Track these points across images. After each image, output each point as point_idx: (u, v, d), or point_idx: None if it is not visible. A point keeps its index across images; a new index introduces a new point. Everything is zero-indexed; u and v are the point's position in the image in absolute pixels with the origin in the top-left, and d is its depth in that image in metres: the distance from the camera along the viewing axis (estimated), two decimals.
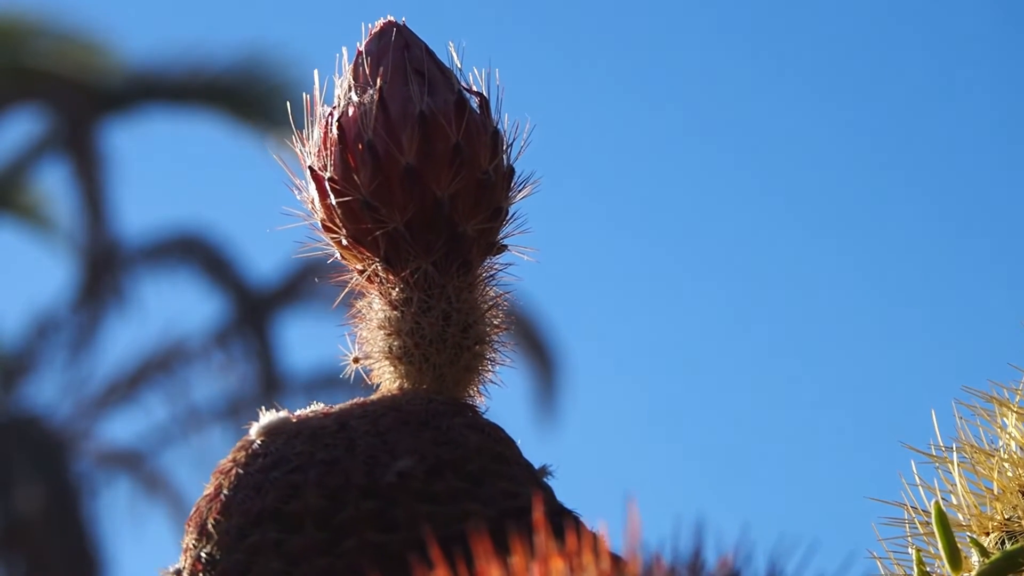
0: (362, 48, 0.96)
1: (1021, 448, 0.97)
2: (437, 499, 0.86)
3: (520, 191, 0.96)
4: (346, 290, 0.96)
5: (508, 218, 0.96)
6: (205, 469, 8.71)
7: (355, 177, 0.93)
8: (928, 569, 0.95)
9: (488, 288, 0.96)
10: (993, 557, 0.93)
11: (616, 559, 0.70)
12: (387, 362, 0.95)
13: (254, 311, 9.03)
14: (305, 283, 8.96)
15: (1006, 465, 0.96)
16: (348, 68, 0.95)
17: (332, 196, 0.94)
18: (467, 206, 0.93)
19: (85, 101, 8.79)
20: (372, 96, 0.93)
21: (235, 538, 0.87)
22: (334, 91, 0.95)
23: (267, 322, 9.08)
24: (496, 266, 0.96)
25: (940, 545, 0.93)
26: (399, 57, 0.95)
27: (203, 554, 0.88)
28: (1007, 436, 0.97)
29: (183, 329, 9.05)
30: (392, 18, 0.96)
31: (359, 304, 0.96)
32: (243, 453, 0.90)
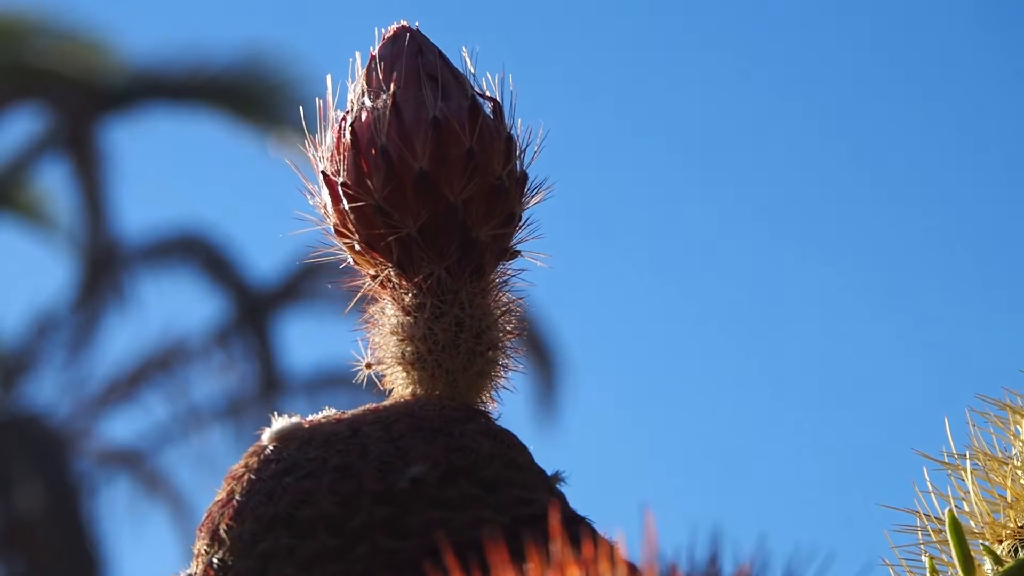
0: (375, 53, 0.95)
1: None
2: (450, 505, 0.86)
3: (533, 196, 0.96)
4: (358, 295, 0.96)
5: (521, 223, 0.95)
6: (205, 468, 8.73)
7: (368, 182, 0.93)
8: None
9: (501, 293, 0.95)
10: (1007, 565, 0.93)
11: (632, 568, 0.70)
12: (400, 368, 0.94)
13: (254, 310, 9.02)
14: (305, 283, 8.96)
15: (1019, 473, 0.96)
16: (361, 73, 0.95)
17: (345, 201, 0.94)
18: (480, 211, 0.93)
19: (85, 100, 8.79)
20: (385, 101, 0.93)
21: (248, 544, 0.87)
22: (347, 96, 0.95)
23: (267, 321, 9.08)
24: (509, 271, 0.96)
25: (953, 553, 0.93)
26: (412, 62, 0.94)
27: (215, 560, 0.88)
28: (1020, 444, 0.97)
29: (183, 328, 9.06)
30: (405, 23, 0.96)
31: (372, 309, 0.96)
32: (255, 459, 0.90)
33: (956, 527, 0.93)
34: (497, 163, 0.94)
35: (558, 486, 0.91)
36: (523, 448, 0.91)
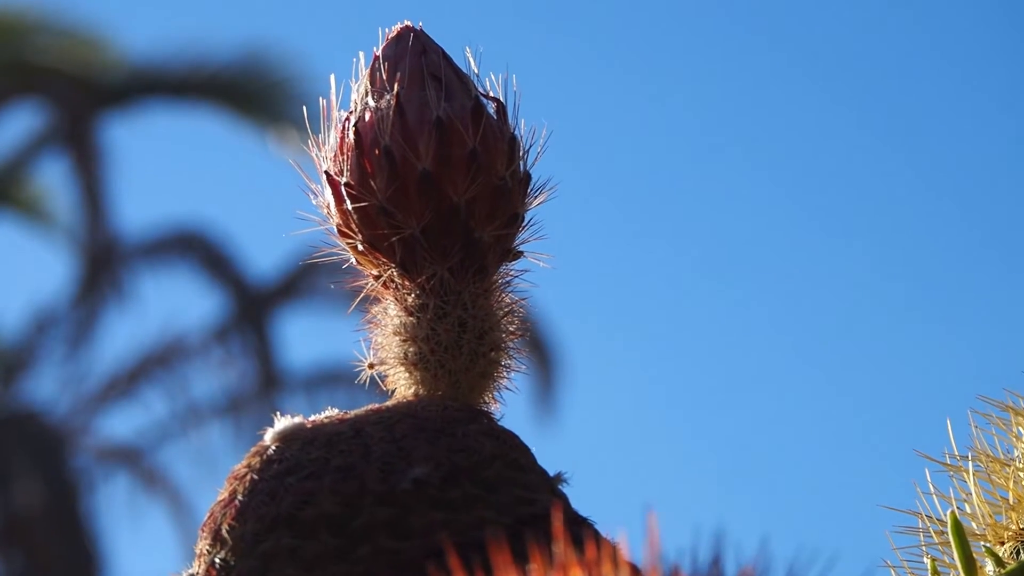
0: (379, 53, 0.95)
1: None
2: (453, 506, 0.86)
3: (536, 197, 0.96)
4: (361, 295, 0.96)
5: (524, 224, 0.95)
6: (204, 465, 8.73)
7: (372, 182, 0.93)
8: None
9: (504, 294, 0.95)
10: (1009, 567, 0.93)
11: (635, 570, 0.70)
12: (402, 368, 0.94)
13: (253, 307, 9.02)
14: (304, 280, 8.96)
15: (1022, 475, 0.96)
16: (365, 73, 0.95)
17: (348, 201, 0.94)
18: (484, 212, 0.93)
19: (85, 96, 8.79)
20: (389, 101, 0.93)
21: (250, 544, 0.87)
22: (351, 96, 0.95)
23: (266, 318, 9.08)
24: (512, 272, 0.96)
25: (955, 554, 0.93)
26: (416, 62, 0.94)
27: (217, 560, 0.88)
28: (1023, 445, 0.97)
29: (182, 325, 9.06)
30: (409, 23, 0.96)
31: (374, 310, 0.96)
32: (258, 459, 0.90)
33: (958, 529, 0.93)
34: (500, 163, 0.94)
35: (560, 487, 0.91)
36: (525, 449, 0.91)
